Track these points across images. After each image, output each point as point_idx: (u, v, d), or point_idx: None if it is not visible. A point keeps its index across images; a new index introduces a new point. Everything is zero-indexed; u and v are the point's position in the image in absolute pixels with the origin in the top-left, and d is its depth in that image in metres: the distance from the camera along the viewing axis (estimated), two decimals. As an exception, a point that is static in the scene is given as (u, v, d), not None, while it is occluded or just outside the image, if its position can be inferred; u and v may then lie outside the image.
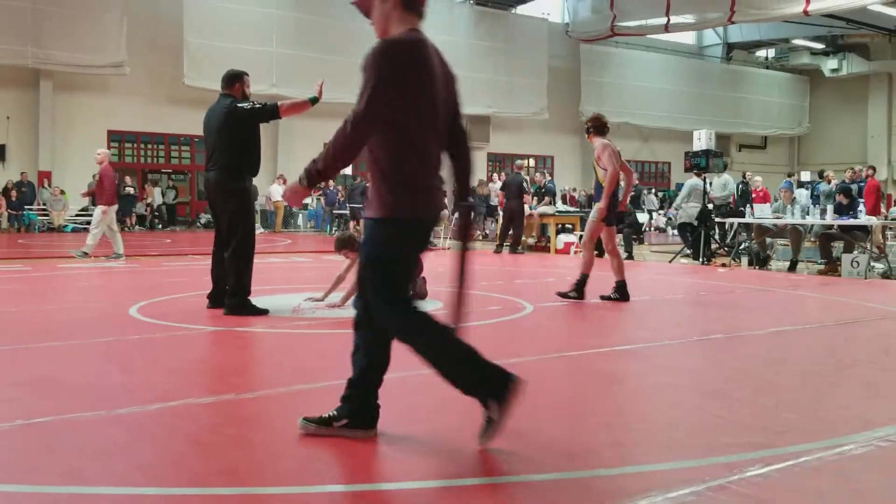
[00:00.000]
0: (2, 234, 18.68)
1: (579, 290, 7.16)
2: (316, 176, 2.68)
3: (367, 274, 2.75)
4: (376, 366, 2.87)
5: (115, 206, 11.43)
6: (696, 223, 13.28)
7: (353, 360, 2.87)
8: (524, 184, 14.52)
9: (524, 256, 13.57)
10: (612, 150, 7.16)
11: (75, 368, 4.09)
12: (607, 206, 7.07)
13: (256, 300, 6.08)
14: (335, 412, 2.90)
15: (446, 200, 2.92)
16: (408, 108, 2.63)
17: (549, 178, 17.69)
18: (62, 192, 20.93)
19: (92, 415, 3.15)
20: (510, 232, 14.37)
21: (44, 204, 21.08)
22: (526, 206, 15.19)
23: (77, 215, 21.34)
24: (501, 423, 2.66)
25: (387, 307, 2.72)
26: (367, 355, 2.84)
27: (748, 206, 13.54)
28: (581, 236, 14.43)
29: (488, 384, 2.68)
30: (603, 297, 7.20)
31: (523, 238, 14.84)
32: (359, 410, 2.87)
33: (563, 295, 7.16)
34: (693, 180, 13.65)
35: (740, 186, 16.65)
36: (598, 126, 7.31)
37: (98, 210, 11.29)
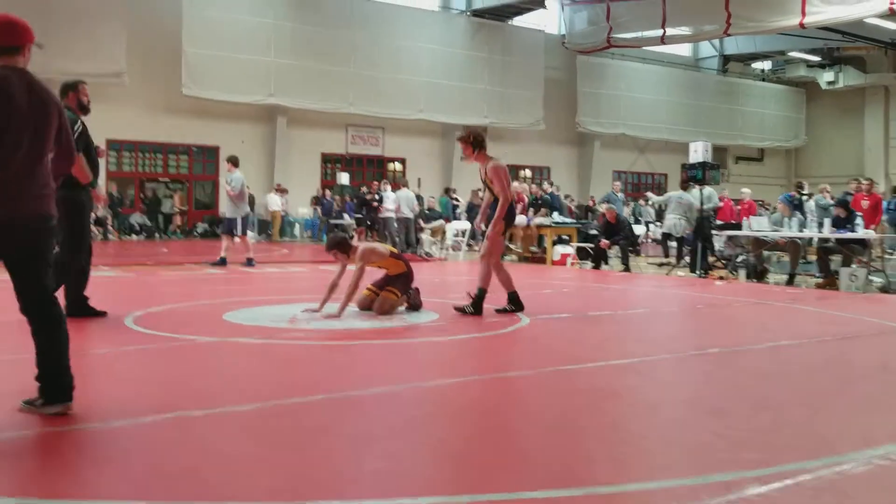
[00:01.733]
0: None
1: (477, 305, 6.71)
2: None
3: None
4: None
5: None
6: (676, 234, 14.36)
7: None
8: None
9: (521, 267, 13.57)
10: (505, 171, 6.80)
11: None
12: (503, 221, 6.81)
13: (252, 311, 6.03)
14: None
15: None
16: None
17: (555, 189, 17.73)
18: (59, 201, 20.90)
19: (84, 427, 3.12)
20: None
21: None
22: (523, 218, 15.29)
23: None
24: (37, 412, 3.23)
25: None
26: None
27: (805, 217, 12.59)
28: (577, 248, 14.54)
29: (54, 386, 3.26)
30: (498, 310, 6.87)
31: (519, 249, 15.12)
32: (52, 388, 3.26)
33: (460, 310, 6.72)
34: (676, 192, 14.74)
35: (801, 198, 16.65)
36: (482, 142, 6.88)
37: None
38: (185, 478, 2.60)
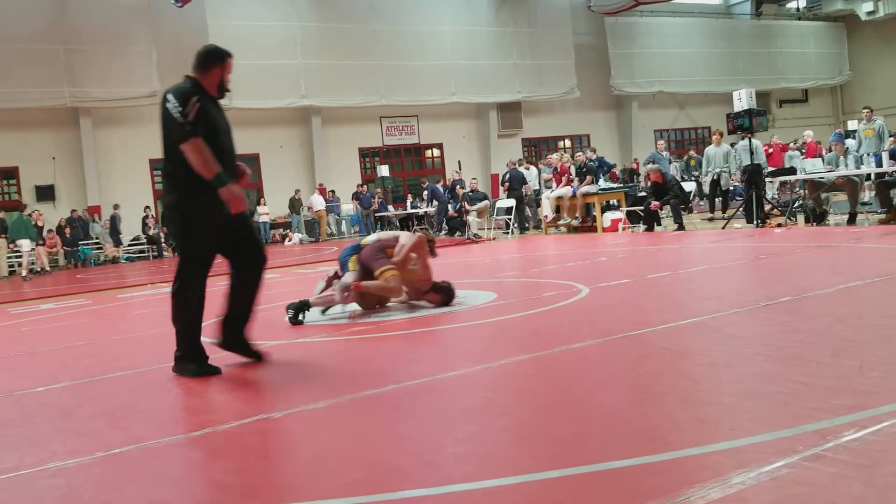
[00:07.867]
0: (60, 271, 19.18)
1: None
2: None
3: None
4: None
5: None
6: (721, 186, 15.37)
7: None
8: (524, 176, 17.85)
9: (572, 238, 13.45)
10: None
11: (146, 395, 4.13)
12: None
13: (311, 311, 6.06)
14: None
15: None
16: None
17: (594, 156, 17.43)
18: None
19: (168, 440, 3.17)
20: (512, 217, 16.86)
21: (97, 238, 21.60)
22: (569, 188, 15.22)
23: (130, 245, 21.83)
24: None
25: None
26: None
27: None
28: (627, 212, 14.32)
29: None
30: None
31: (569, 220, 15.29)
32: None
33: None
34: (710, 148, 15.72)
35: None
36: None
37: None
38: (274, 480, 2.63)
